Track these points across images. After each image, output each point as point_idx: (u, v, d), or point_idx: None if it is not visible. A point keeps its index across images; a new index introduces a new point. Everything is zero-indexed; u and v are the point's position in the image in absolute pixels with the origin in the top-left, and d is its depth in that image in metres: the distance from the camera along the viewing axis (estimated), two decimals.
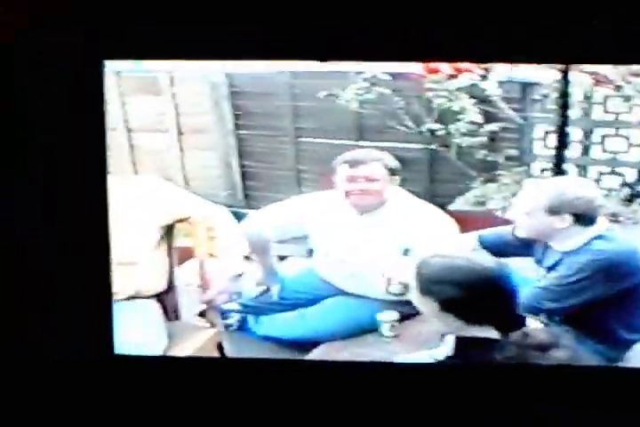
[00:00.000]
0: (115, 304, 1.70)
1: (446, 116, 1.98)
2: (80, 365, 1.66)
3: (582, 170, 1.96)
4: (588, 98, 1.89)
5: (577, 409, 1.58)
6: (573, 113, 1.90)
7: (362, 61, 1.80)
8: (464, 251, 1.69)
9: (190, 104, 2.18)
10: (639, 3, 1.45)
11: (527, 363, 1.46)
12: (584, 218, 1.66)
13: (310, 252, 2.02)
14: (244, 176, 2.27)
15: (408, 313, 1.80)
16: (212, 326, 1.92)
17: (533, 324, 1.51)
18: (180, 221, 1.89)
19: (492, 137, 2.00)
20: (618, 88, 1.80)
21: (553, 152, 1.95)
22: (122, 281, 1.76)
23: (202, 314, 1.95)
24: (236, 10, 1.50)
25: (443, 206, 1.92)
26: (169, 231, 1.90)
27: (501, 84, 1.89)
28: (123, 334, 1.70)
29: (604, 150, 1.94)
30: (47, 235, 1.62)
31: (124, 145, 2.15)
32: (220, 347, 1.90)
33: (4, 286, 1.64)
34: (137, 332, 1.75)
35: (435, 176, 2.09)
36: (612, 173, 1.93)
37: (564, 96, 1.86)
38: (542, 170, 2.00)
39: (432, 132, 2.01)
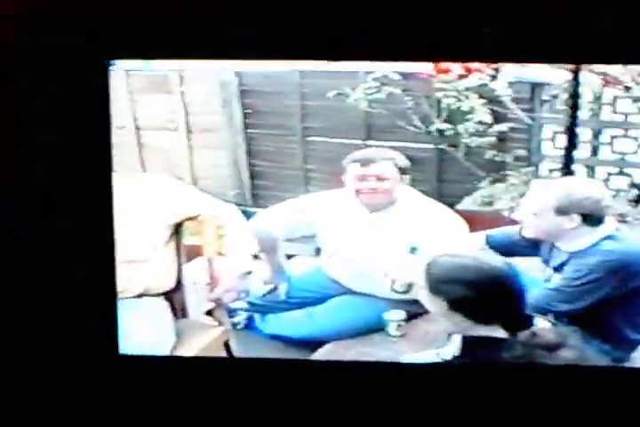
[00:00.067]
0: (123, 302, 1.71)
1: (455, 116, 1.98)
2: (83, 365, 1.65)
3: (590, 170, 1.96)
4: (597, 99, 1.89)
5: (578, 409, 1.58)
6: (582, 114, 1.91)
7: (372, 61, 1.80)
8: (473, 250, 1.69)
9: (200, 103, 2.19)
10: None
11: (534, 363, 1.46)
12: (592, 218, 1.66)
13: (318, 251, 2.03)
14: (252, 175, 2.28)
15: (415, 312, 1.80)
16: (220, 324, 1.92)
17: (541, 323, 1.51)
18: (190, 219, 1.89)
19: (501, 137, 2.00)
20: (627, 89, 1.80)
21: (561, 152, 1.95)
22: (130, 279, 1.76)
23: (209, 312, 1.95)
24: (245, 9, 1.50)
25: (450, 206, 1.92)
26: (178, 229, 1.90)
27: (511, 84, 1.90)
28: (131, 332, 1.70)
29: (613, 151, 1.94)
30: (47, 235, 1.61)
31: (133, 143, 2.16)
32: (226, 345, 1.91)
33: (4, 286, 1.64)
34: (145, 330, 1.75)
35: (443, 176, 2.09)
36: (621, 173, 1.93)
37: (574, 97, 1.86)
38: (550, 170, 2.00)
39: (441, 132, 2.02)
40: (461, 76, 1.89)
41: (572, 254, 1.68)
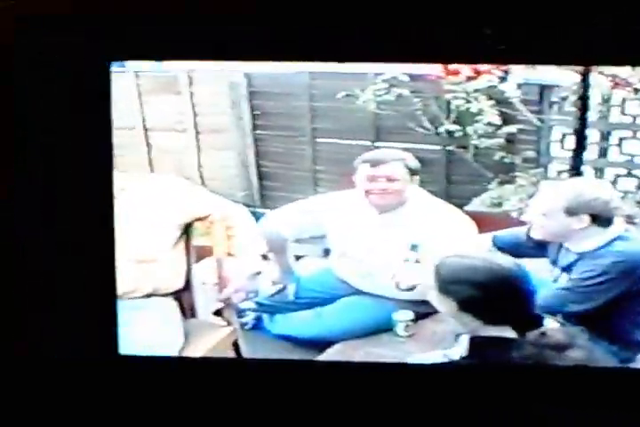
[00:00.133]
0: (132, 302, 1.71)
1: (464, 118, 1.99)
2: (84, 365, 1.65)
3: (599, 172, 1.96)
4: (606, 100, 1.90)
5: (583, 410, 1.58)
6: (591, 115, 1.91)
7: (381, 63, 1.80)
8: (482, 251, 1.70)
9: (208, 104, 2.19)
10: None
11: (540, 364, 1.47)
12: (602, 219, 1.66)
13: (326, 252, 2.03)
14: (260, 176, 2.28)
15: (423, 313, 1.81)
16: (228, 324, 1.93)
17: (551, 324, 1.52)
18: (200, 219, 1.89)
19: (510, 139, 2.00)
20: (636, 91, 1.80)
21: (570, 154, 1.95)
22: (140, 279, 1.77)
23: (218, 312, 1.95)
24: (248, 10, 1.50)
25: (459, 207, 1.92)
26: (187, 230, 1.91)
27: (520, 86, 1.90)
28: (140, 332, 1.70)
29: (622, 153, 1.94)
30: (47, 235, 1.61)
31: (142, 144, 2.17)
32: (235, 345, 1.91)
33: (4, 286, 1.64)
34: (154, 329, 1.76)
35: (451, 177, 2.09)
36: (629, 175, 1.94)
37: (583, 98, 1.86)
38: (559, 172, 2.00)
39: (450, 133, 2.02)
40: (470, 78, 1.89)
41: (581, 255, 1.69)
